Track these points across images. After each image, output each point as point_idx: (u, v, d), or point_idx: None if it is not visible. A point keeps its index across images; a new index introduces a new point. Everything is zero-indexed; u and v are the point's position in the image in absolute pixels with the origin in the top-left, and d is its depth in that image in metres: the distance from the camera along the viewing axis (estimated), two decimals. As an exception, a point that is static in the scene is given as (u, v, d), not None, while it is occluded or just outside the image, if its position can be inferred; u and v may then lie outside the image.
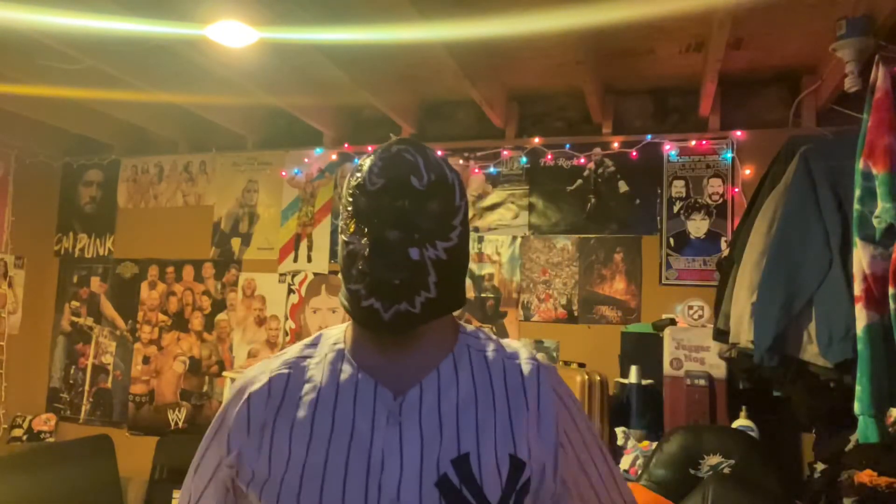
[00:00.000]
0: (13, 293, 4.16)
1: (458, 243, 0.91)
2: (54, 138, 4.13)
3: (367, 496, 0.80)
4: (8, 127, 3.80)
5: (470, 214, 3.58)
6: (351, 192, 0.90)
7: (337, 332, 0.96)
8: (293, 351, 0.96)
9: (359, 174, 0.90)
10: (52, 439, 4.02)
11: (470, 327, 0.98)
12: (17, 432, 4.01)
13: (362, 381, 0.88)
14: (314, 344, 0.96)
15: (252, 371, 0.96)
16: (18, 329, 4.17)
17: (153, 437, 3.83)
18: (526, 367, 0.93)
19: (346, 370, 0.89)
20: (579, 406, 0.97)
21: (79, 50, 2.78)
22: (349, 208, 0.90)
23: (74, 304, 4.24)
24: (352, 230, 0.88)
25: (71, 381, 4.17)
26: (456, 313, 0.97)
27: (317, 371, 0.91)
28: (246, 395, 0.91)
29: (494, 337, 0.98)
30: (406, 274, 0.84)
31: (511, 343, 0.98)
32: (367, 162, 0.90)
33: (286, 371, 0.92)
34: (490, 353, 0.94)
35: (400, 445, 0.83)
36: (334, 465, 0.82)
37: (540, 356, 0.97)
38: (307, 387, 0.89)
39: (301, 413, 0.87)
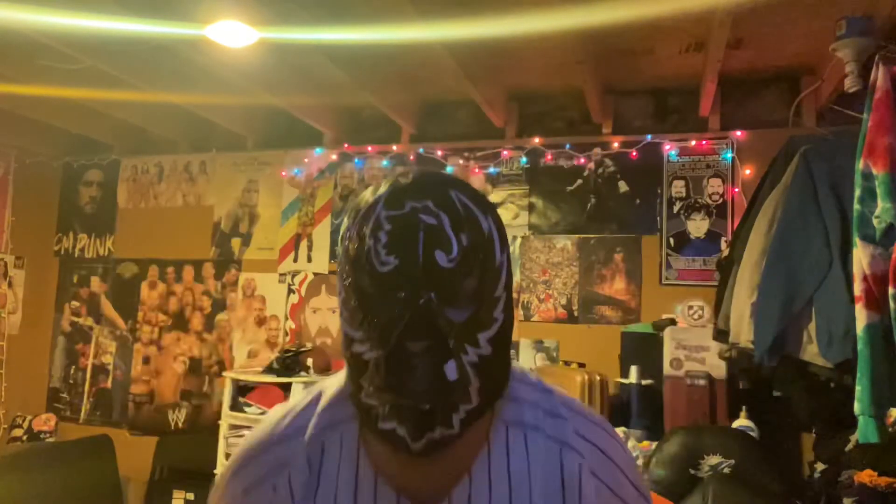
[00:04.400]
0: (13, 293, 4.16)
1: (504, 319, 0.69)
2: (54, 138, 4.13)
3: None
4: (8, 127, 3.79)
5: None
6: (351, 260, 0.66)
7: (346, 398, 0.74)
8: (308, 421, 0.77)
9: (363, 242, 0.65)
10: (52, 439, 4.01)
11: (512, 388, 0.76)
12: (17, 432, 4.01)
13: (381, 492, 0.71)
14: (327, 408, 0.77)
15: (261, 436, 0.78)
16: (18, 329, 4.17)
17: (153, 437, 3.83)
18: (569, 461, 0.74)
19: (364, 470, 0.72)
20: (634, 483, 0.79)
21: (79, 50, 2.78)
22: (353, 294, 0.66)
23: (74, 304, 4.24)
24: (356, 321, 0.66)
25: (71, 381, 4.17)
26: None
27: (333, 463, 0.74)
28: (285, 475, 0.74)
29: (540, 388, 0.78)
30: (441, 397, 0.64)
31: (559, 403, 0.77)
32: (370, 216, 0.65)
33: (304, 458, 0.74)
34: (531, 433, 0.74)
35: None
36: None
37: (590, 411, 0.80)
38: (325, 485, 0.73)
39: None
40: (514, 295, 3.37)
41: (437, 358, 0.63)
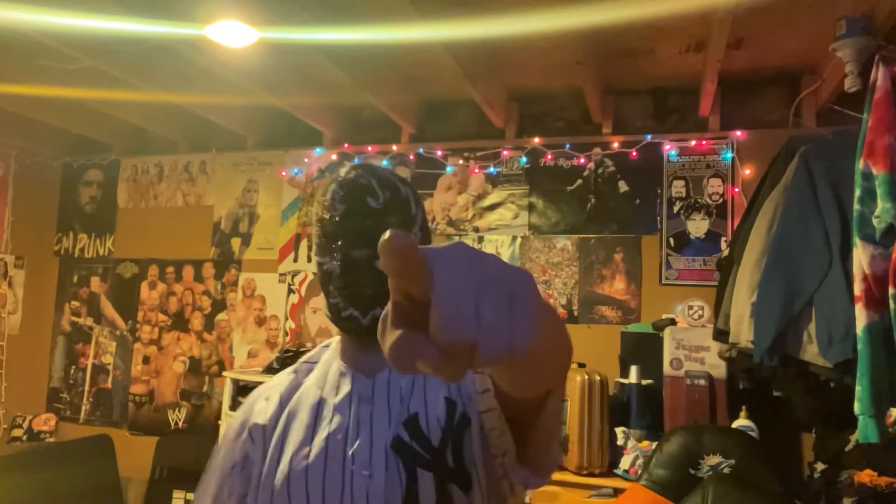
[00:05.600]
0: (13, 293, 4.16)
1: None
2: (54, 138, 4.14)
3: (345, 464, 0.93)
4: (8, 127, 3.80)
5: (470, 214, 3.58)
6: (318, 218, 1.02)
7: (335, 340, 1.11)
8: (306, 356, 1.11)
9: (323, 201, 1.01)
10: (52, 439, 4.02)
11: None
12: (17, 432, 4.01)
13: (345, 371, 1.01)
14: (323, 349, 1.11)
15: (274, 379, 1.10)
16: (18, 329, 4.17)
17: (153, 437, 3.83)
18: None
19: (334, 366, 1.03)
20: None
21: (79, 50, 2.78)
22: (319, 232, 1.01)
23: (74, 304, 4.24)
24: (323, 252, 1.00)
25: (71, 381, 4.17)
26: None
27: (316, 371, 1.05)
28: (264, 398, 1.04)
29: None
30: (377, 284, 0.95)
31: None
32: (329, 191, 1.01)
33: (293, 376, 1.06)
34: None
35: (370, 419, 0.96)
36: (318, 447, 0.95)
37: None
38: (305, 386, 1.03)
39: (297, 407, 1.01)
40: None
41: (373, 259, 0.95)
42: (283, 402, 1.02)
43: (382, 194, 0.99)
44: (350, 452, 0.93)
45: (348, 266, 0.96)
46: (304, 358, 1.09)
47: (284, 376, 1.07)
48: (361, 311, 0.96)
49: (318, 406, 0.99)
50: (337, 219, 0.98)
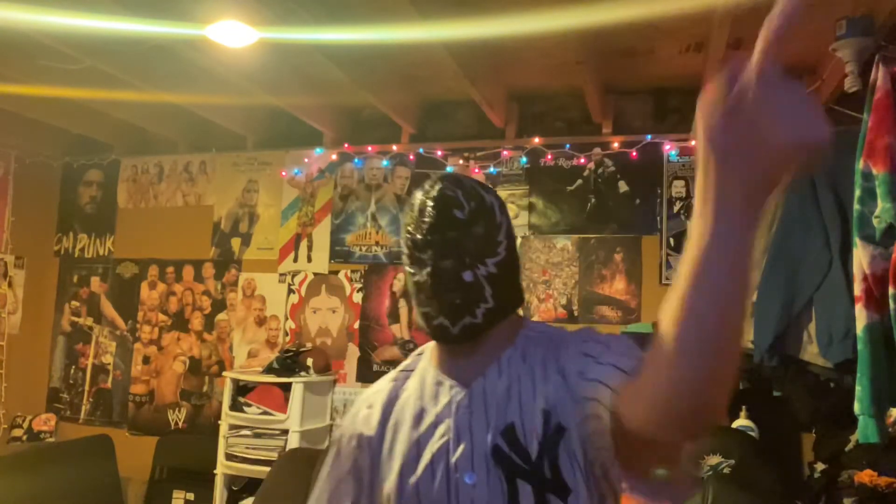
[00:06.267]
0: (13, 293, 4.16)
1: (506, 255, 1.05)
2: (54, 138, 4.13)
3: (449, 472, 0.96)
4: (8, 127, 3.79)
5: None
6: (407, 230, 1.06)
7: (427, 347, 1.15)
8: (403, 364, 1.15)
9: (412, 214, 1.06)
10: (52, 439, 4.02)
11: (535, 322, 1.14)
12: (17, 432, 4.01)
13: (441, 380, 1.05)
14: (417, 357, 1.15)
15: (374, 386, 1.14)
16: (18, 329, 4.17)
17: (153, 437, 3.83)
18: (559, 331, 1.08)
19: (430, 373, 1.07)
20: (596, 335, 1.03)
21: (79, 50, 2.78)
22: (408, 244, 1.05)
23: (74, 304, 4.24)
24: (413, 263, 1.04)
25: (71, 381, 4.17)
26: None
27: (414, 380, 1.10)
28: (366, 406, 1.10)
29: (556, 326, 1.11)
30: (464, 294, 0.99)
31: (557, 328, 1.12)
32: (416, 202, 1.06)
33: (392, 384, 1.11)
34: (541, 332, 1.08)
35: (470, 428, 0.98)
36: (425, 457, 0.99)
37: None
38: (405, 395, 1.08)
39: (400, 417, 1.06)
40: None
41: (459, 270, 0.99)
42: (386, 411, 1.07)
43: (468, 205, 1.02)
44: (453, 461, 0.96)
45: (437, 276, 0.99)
46: (400, 366, 1.14)
47: (385, 383, 1.11)
48: (451, 320, 0.99)
49: (420, 416, 1.03)
50: (425, 231, 1.02)
